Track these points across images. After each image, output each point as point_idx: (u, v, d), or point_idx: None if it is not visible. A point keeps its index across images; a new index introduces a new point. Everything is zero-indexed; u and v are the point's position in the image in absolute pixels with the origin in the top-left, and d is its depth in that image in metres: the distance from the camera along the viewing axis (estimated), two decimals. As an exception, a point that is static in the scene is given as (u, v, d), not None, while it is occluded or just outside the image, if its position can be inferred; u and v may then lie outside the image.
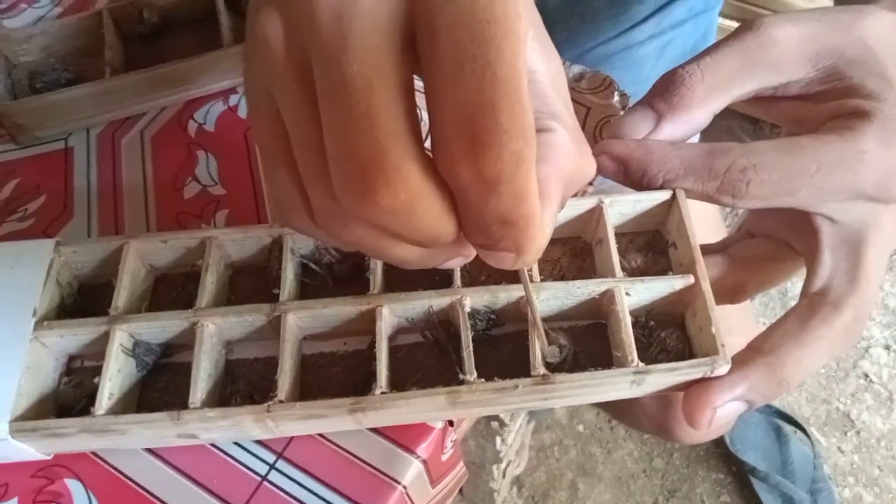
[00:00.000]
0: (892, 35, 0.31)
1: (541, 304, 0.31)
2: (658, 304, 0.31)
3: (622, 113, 0.39)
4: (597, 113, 0.41)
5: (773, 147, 0.29)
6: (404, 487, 0.31)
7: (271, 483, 0.32)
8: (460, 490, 0.80)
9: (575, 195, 0.31)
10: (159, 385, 0.33)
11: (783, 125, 0.35)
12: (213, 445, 0.33)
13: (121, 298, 0.32)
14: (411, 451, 0.32)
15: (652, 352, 0.31)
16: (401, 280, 0.32)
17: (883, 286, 1.24)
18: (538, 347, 0.29)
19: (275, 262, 0.33)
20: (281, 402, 0.29)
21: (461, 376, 0.29)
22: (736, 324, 0.57)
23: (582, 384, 0.28)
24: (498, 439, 0.75)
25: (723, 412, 0.29)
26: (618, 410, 0.81)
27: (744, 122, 1.37)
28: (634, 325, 0.30)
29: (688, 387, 0.30)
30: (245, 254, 0.34)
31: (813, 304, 0.30)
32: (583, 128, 0.41)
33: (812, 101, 0.32)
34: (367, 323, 0.31)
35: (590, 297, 0.31)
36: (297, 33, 0.20)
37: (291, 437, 0.32)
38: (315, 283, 0.34)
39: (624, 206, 0.32)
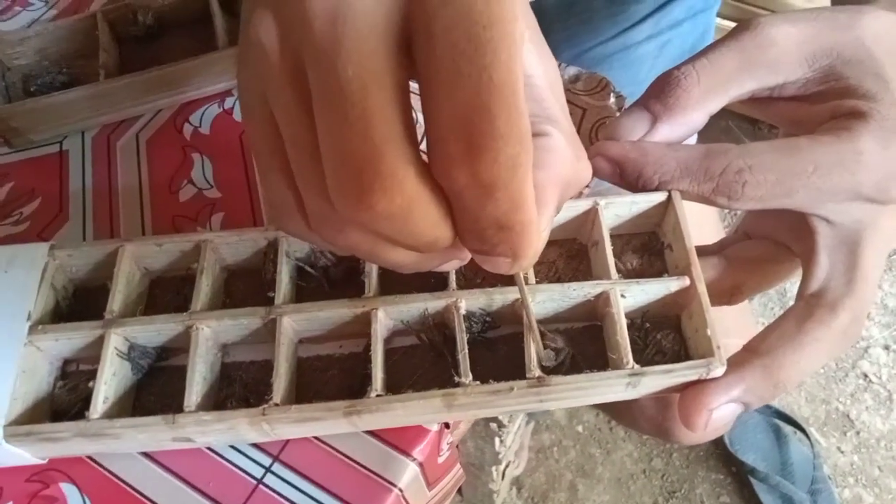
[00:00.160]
0: (889, 35, 0.31)
1: (536, 306, 0.31)
2: (654, 305, 0.31)
3: (618, 114, 0.39)
4: (593, 114, 0.41)
5: (770, 148, 0.29)
6: (400, 490, 0.31)
7: (267, 486, 0.31)
8: (459, 491, 0.80)
9: (571, 197, 0.31)
10: (155, 388, 0.33)
11: (780, 126, 0.35)
12: (208, 449, 0.32)
13: (116, 302, 0.32)
14: (407, 454, 0.32)
15: (648, 354, 0.31)
16: (396, 283, 0.32)
17: (882, 286, 1.24)
18: (533, 350, 0.29)
19: (270, 265, 0.33)
20: (276, 405, 0.29)
21: (456, 379, 0.29)
22: (734, 325, 0.57)
23: (577, 386, 0.28)
24: (497, 440, 0.75)
25: (719, 414, 0.29)
26: (616, 411, 0.81)
27: (742, 122, 1.37)
28: (630, 327, 0.30)
29: (684, 389, 0.29)
30: (240, 257, 0.34)
31: (810, 306, 0.30)
32: (578, 129, 0.41)
33: (809, 102, 0.32)
34: (362, 326, 0.31)
35: (585, 299, 0.31)
36: (292, 36, 0.20)
37: (287, 441, 0.32)
38: (310, 286, 0.34)
39: (619, 207, 0.32)
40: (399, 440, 0.32)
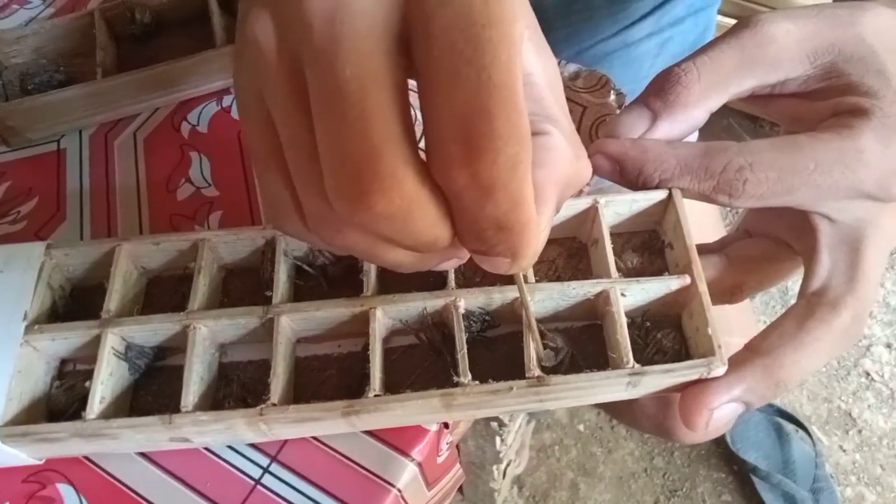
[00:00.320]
0: (890, 31, 0.31)
1: (536, 305, 0.31)
2: (654, 304, 0.31)
3: (618, 112, 0.39)
4: (593, 112, 0.41)
5: (771, 146, 0.29)
6: (399, 490, 0.31)
7: (265, 487, 0.31)
8: (460, 489, 0.80)
9: (571, 196, 0.30)
10: (152, 388, 0.33)
11: (781, 123, 0.35)
12: (206, 449, 0.32)
13: (112, 301, 0.32)
14: (406, 454, 0.32)
15: (648, 353, 0.30)
16: (395, 281, 0.32)
17: (884, 284, 1.24)
18: (533, 349, 0.29)
19: (268, 264, 0.33)
20: (273, 405, 0.29)
21: (455, 379, 0.29)
22: (735, 323, 0.57)
23: (577, 386, 0.28)
24: (498, 439, 0.74)
25: (720, 414, 0.29)
26: (617, 410, 0.81)
27: (743, 119, 1.36)
28: (630, 326, 0.30)
29: (685, 388, 0.29)
30: (238, 256, 0.34)
31: (811, 305, 0.30)
32: (578, 127, 0.40)
33: (810, 99, 0.32)
34: (360, 325, 0.31)
35: (585, 298, 0.31)
36: (289, 36, 0.20)
37: (285, 441, 0.32)
38: (308, 285, 0.33)
39: (620, 205, 0.32)
40: (398, 440, 0.32)
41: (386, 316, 0.31)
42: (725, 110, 0.33)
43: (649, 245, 0.33)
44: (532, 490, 1.09)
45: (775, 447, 1.07)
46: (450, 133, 0.18)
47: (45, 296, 0.32)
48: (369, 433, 0.32)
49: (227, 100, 0.44)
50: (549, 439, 1.13)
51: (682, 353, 0.30)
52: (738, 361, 0.29)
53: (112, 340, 0.31)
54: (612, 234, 0.32)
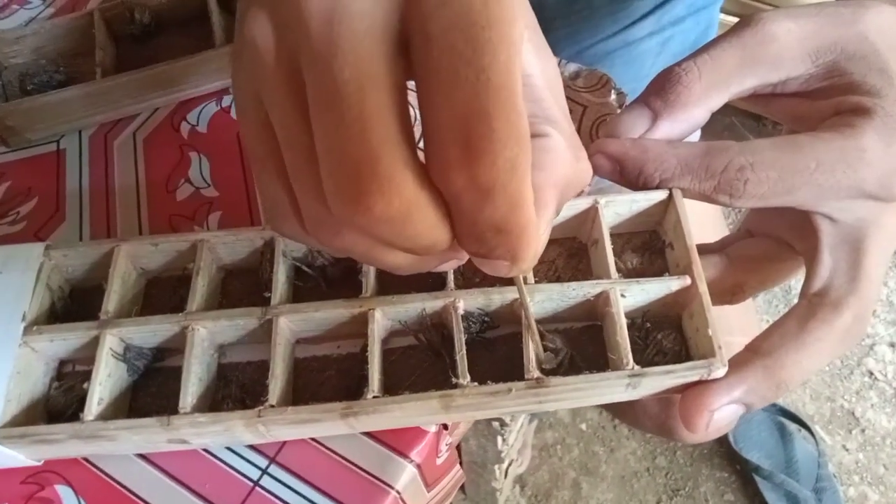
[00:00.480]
0: (893, 29, 0.31)
1: (535, 306, 0.30)
2: (654, 305, 0.31)
3: (619, 111, 0.39)
4: (593, 111, 0.41)
5: (772, 145, 0.29)
6: (398, 492, 0.31)
7: (263, 488, 0.31)
8: (462, 489, 0.80)
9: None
10: (151, 390, 0.33)
11: (783, 122, 0.34)
12: (205, 450, 0.32)
13: (111, 302, 0.32)
14: (405, 456, 0.31)
15: (648, 354, 0.30)
16: (394, 282, 0.32)
17: (887, 283, 1.24)
18: (532, 351, 0.29)
19: (267, 264, 0.33)
20: (272, 406, 0.29)
21: (454, 380, 0.28)
22: (737, 322, 0.57)
23: (577, 387, 0.28)
24: (499, 439, 0.74)
25: (720, 415, 0.28)
26: (619, 410, 0.81)
27: (746, 118, 1.36)
28: (630, 326, 0.30)
29: (685, 389, 0.29)
30: (237, 256, 0.34)
31: (812, 305, 0.29)
32: (579, 126, 0.40)
33: (812, 98, 0.31)
34: (359, 326, 0.31)
35: (585, 298, 0.30)
36: (287, 36, 0.20)
37: (284, 442, 0.32)
38: (307, 286, 0.33)
39: (620, 206, 0.32)
40: (397, 442, 0.32)
41: (385, 317, 0.31)
42: (728, 109, 0.32)
43: (649, 245, 0.33)
44: (534, 489, 1.09)
45: (778, 446, 1.06)
46: (448, 135, 0.18)
47: (43, 297, 0.32)
48: (368, 434, 0.32)
49: (227, 100, 0.44)
50: (551, 438, 1.13)
51: (682, 354, 0.30)
52: (739, 362, 0.29)
53: (110, 341, 0.31)
54: (612, 235, 0.31)
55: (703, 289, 0.29)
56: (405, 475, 0.31)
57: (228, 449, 0.32)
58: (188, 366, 0.30)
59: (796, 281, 0.33)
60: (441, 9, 0.18)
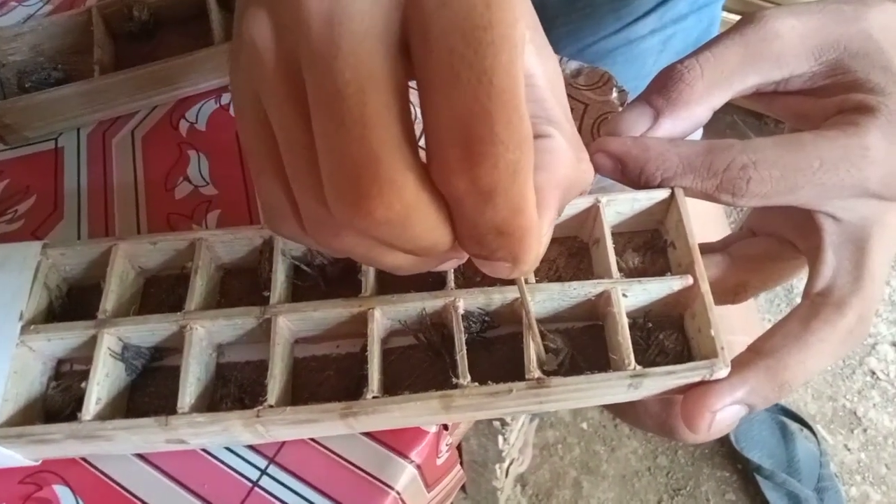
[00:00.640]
0: (896, 27, 0.30)
1: (536, 305, 0.30)
2: (656, 305, 0.31)
3: (620, 110, 0.39)
4: (594, 110, 0.40)
5: (774, 144, 0.29)
6: (398, 493, 0.31)
7: (262, 489, 0.31)
8: (463, 488, 0.80)
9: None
10: (149, 389, 0.33)
11: (786, 120, 0.34)
12: (203, 450, 0.32)
13: (109, 301, 0.31)
14: (405, 456, 0.31)
15: (650, 354, 0.30)
16: (394, 282, 0.31)
17: (890, 282, 1.23)
18: (533, 351, 0.28)
19: (265, 263, 0.32)
20: (271, 406, 0.29)
21: (454, 380, 0.28)
22: (739, 322, 0.56)
23: (577, 388, 0.28)
24: (500, 438, 0.74)
25: (722, 416, 0.28)
26: (620, 409, 0.81)
27: (748, 117, 1.35)
28: (632, 326, 0.29)
29: (687, 390, 0.29)
30: (235, 255, 0.34)
31: (815, 305, 0.29)
32: (580, 125, 0.40)
33: (815, 96, 0.31)
34: (359, 325, 0.31)
35: (586, 298, 0.30)
36: (287, 37, 0.20)
37: (283, 442, 0.32)
38: (306, 285, 0.33)
39: (621, 204, 0.32)
40: (396, 442, 0.32)
41: (384, 316, 0.31)
42: (730, 108, 0.32)
43: (651, 245, 0.33)
44: (535, 488, 1.08)
45: (779, 446, 1.06)
46: (449, 137, 0.18)
47: (41, 296, 0.32)
48: (368, 435, 0.32)
49: (226, 98, 0.44)
50: (552, 437, 1.12)
51: (684, 354, 0.30)
52: (742, 363, 0.29)
53: (108, 341, 0.31)
54: (613, 234, 0.31)
55: (706, 288, 0.29)
56: (405, 476, 0.31)
57: (227, 449, 0.32)
58: (186, 365, 0.30)
59: (799, 280, 0.32)
60: (441, 9, 0.17)
